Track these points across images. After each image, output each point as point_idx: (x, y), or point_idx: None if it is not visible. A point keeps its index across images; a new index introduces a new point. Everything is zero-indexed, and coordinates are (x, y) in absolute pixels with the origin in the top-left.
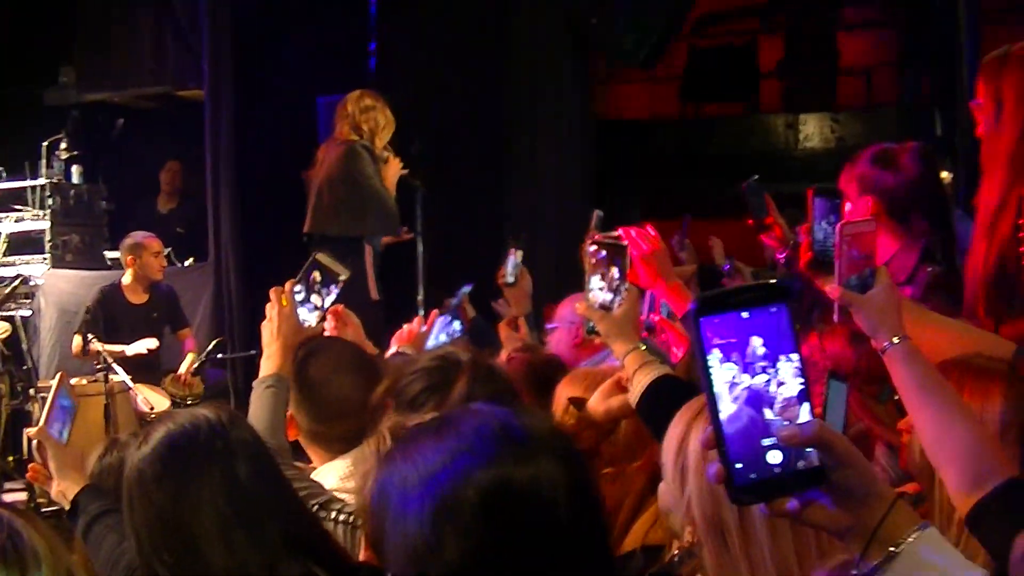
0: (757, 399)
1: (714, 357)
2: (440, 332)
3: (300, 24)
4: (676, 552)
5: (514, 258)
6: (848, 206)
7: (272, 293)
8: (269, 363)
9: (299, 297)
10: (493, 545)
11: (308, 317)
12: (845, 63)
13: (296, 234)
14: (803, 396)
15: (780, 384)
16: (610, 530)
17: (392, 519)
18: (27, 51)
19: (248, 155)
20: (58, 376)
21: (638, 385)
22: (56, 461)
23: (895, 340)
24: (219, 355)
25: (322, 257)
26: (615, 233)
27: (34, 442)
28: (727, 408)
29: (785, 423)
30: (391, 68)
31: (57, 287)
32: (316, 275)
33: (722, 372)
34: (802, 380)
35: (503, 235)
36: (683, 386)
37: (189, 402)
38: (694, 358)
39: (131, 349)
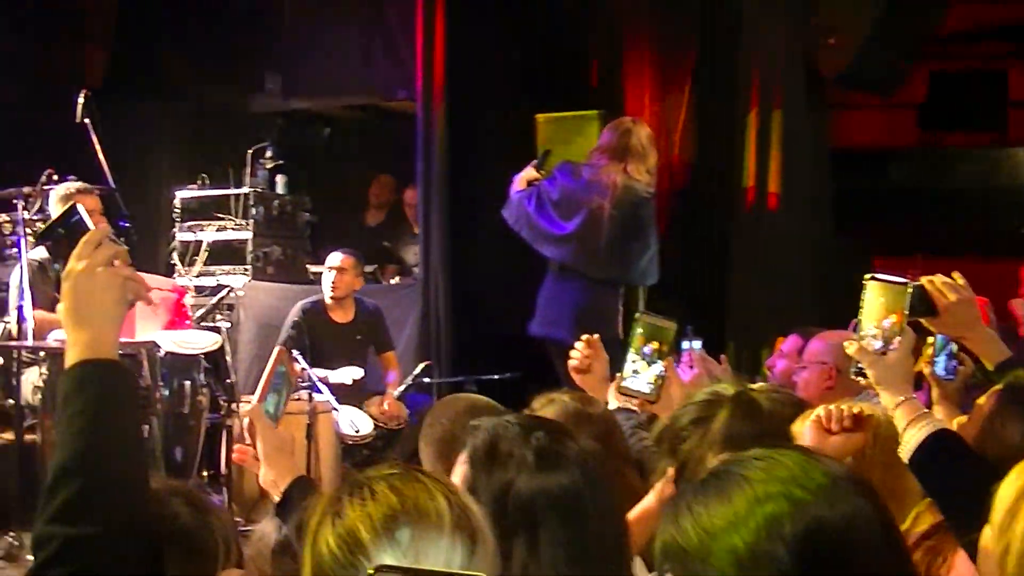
0: None
1: None
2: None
3: (517, 38)
4: None
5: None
6: None
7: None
8: None
9: (632, 365)
10: None
11: (641, 386)
12: None
13: (510, 255)
14: None
15: None
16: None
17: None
18: (233, 57)
19: (461, 172)
20: (277, 350)
21: (912, 440)
22: (266, 444)
23: None
24: (426, 379)
25: (647, 316)
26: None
27: (245, 421)
28: None
29: None
30: (613, 86)
31: (257, 300)
32: (640, 339)
33: None
34: None
35: (730, 271)
36: (959, 442)
37: (393, 427)
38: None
39: (335, 376)
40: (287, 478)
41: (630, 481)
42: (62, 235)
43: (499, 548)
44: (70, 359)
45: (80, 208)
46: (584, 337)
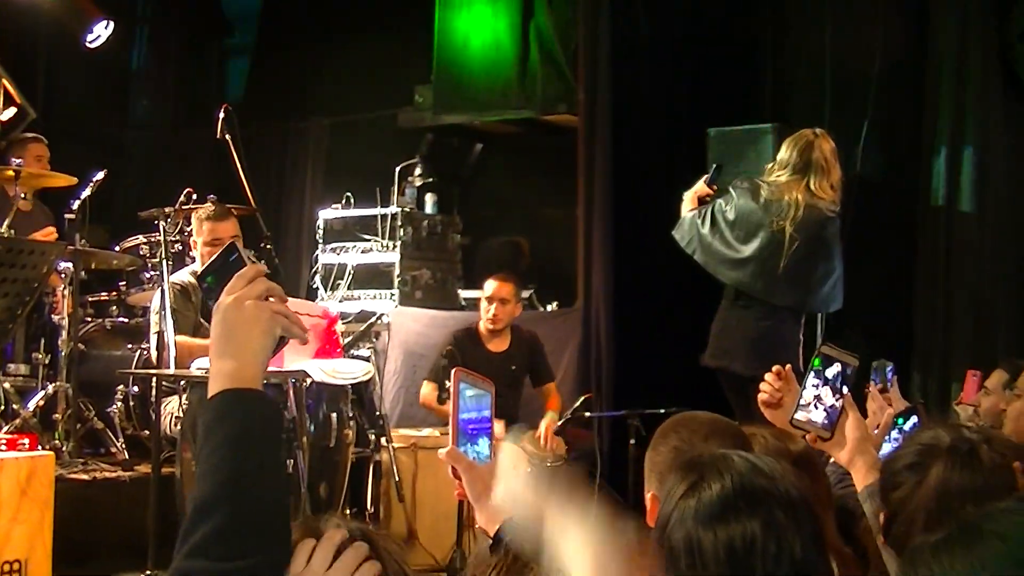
0: None
1: None
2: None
3: (685, 46)
4: None
5: None
6: None
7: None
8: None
9: (808, 395)
10: None
11: (818, 418)
12: None
13: (678, 279)
14: None
15: None
16: None
17: None
18: (380, 69)
19: (625, 189)
20: (454, 374)
21: None
22: (472, 488)
23: None
24: (586, 413)
25: (830, 348)
26: None
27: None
28: None
29: None
30: (786, 98)
31: (405, 326)
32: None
33: None
34: None
35: (917, 298)
36: None
37: (549, 464)
38: None
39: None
40: (495, 523)
41: (828, 528)
42: (219, 274)
43: None
44: (212, 389)
45: (239, 246)
46: (775, 368)
